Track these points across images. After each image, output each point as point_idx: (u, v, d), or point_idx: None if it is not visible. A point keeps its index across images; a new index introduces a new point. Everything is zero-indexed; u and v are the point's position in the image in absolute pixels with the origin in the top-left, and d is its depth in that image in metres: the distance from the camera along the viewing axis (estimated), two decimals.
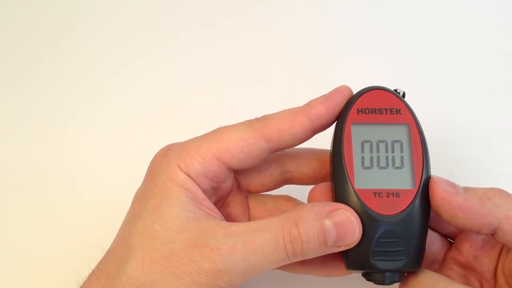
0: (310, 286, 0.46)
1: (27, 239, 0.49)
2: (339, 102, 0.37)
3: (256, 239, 0.34)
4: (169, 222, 0.35)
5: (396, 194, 0.35)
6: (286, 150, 0.40)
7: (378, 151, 0.37)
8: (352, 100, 0.38)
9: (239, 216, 0.42)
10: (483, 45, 0.59)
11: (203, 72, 0.58)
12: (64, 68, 0.59)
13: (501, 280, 0.37)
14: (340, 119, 0.37)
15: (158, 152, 0.40)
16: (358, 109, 0.37)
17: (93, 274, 0.37)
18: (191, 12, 0.62)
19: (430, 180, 0.36)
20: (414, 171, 0.36)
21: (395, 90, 0.38)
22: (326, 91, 0.38)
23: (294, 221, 0.34)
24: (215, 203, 0.40)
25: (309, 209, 0.35)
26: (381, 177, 0.36)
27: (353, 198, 0.35)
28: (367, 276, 0.36)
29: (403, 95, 0.39)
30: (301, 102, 0.38)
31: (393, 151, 0.37)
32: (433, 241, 0.39)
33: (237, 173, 0.41)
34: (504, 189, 0.35)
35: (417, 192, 0.35)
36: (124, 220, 0.38)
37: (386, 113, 0.37)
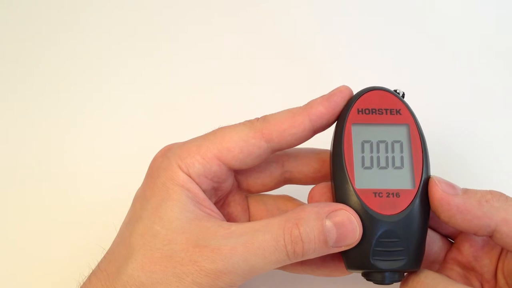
0: (310, 286, 0.46)
1: (28, 239, 0.49)
2: (340, 102, 0.37)
3: (257, 240, 0.34)
4: (169, 222, 0.35)
5: (396, 194, 0.35)
6: (287, 150, 0.40)
7: (378, 151, 0.37)
8: (352, 100, 0.38)
9: (239, 215, 0.42)
10: (482, 45, 0.59)
11: (204, 72, 0.58)
12: (64, 68, 0.59)
13: (501, 280, 0.37)
14: (340, 119, 0.37)
15: (158, 152, 0.40)
16: (358, 109, 0.37)
17: (93, 274, 0.37)
18: (191, 12, 0.62)
19: (430, 180, 0.36)
20: (414, 171, 0.36)
21: (395, 91, 0.38)
22: (326, 91, 0.38)
23: (295, 222, 0.34)
24: (216, 203, 0.40)
25: (309, 210, 0.35)
26: (381, 177, 0.36)
27: (353, 198, 0.35)
28: (367, 276, 0.37)
29: (403, 96, 0.39)
30: (301, 102, 0.38)
31: (393, 151, 0.37)
32: (434, 241, 0.39)
33: (237, 173, 0.41)
34: (502, 191, 0.35)
35: (417, 192, 0.35)
36: (124, 221, 0.39)
37: (386, 114, 0.37)
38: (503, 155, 0.53)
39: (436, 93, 0.56)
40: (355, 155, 0.36)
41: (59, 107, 0.57)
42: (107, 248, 0.38)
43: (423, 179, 0.36)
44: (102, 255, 0.38)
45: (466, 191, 0.35)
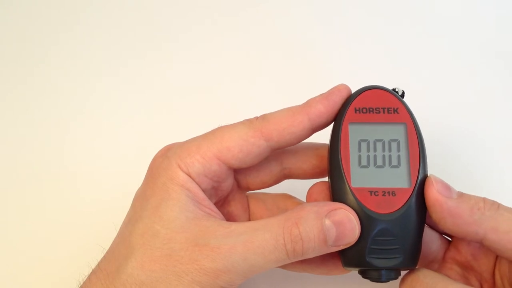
0: (309, 285, 0.46)
1: (28, 239, 0.49)
2: (338, 101, 0.38)
3: (257, 239, 0.34)
4: (169, 222, 0.35)
5: (392, 192, 0.36)
6: None
7: (375, 150, 0.37)
8: (350, 99, 0.38)
9: (239, 214, 0.42)
10: (482, 45, 0.59)
11: (203, 72, 0.58)
12: (64, 68, 0.59)
13: (498, 281, 0.37)
14: (338, 118, 0.38)
15: (158, 152, 0.40)
16: (355, 108, 0.37)
17: (93, 273, 0.37)
18: (191, 12, 0.62)
19: (427, 179, 0.36)
20: (411, 170, 0.36)
21: (394, 89, 0.38)
22: (325, 89, 0.38)
23: (295, 221, 0.34)
24: (215, 203, 0.40)
25: (309, 209, 0.35)
26: (377, 176, 0.36)
27: (349, 197, 0.35)
28: (364, 274, 0.37)
29: (402, 94, 0.39)
30: (301, 102, 0.38)
31: (390, 150, 0.37)
32: (432, 240, 0.39)
33: (236, 171, 0.41)
34: (502, 192, 0.36)
35: (413, 191, 0.36)
36: (124, 220, 0.39)
37: (384, 113, 0.37)
38: (503, 155, 0.53)
39: (436, 93, 0.56)
40: (352, 154, 0.36)
41: (59, 107, 0.57)
42: (107, 247, 0.38)
43: (419, 178, 0.36)
44: (102, 255, 0.38)
45: (461, 195, 0.35)
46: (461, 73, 0.58)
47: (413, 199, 0.35)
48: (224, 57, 0.59)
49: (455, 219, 0.34)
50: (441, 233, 0.40)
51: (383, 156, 0.37)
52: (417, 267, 0.37)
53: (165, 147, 0.40)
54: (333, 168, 0.37)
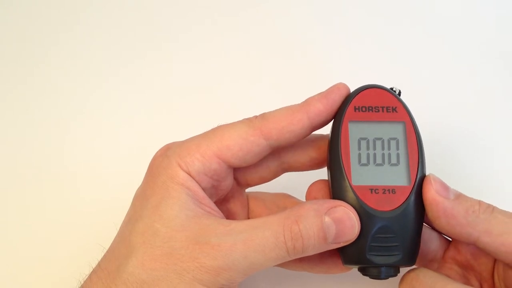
0: (308, 283, 0.46)
1: (28, 239, 0.49)
2: (337, 99, 0.38)
3: (257, 237, 0.34)
4: (169, 220, 0.35)
5: (392, 190, 0.36)
6: None
7: (374, 148, 0.37)
8: (349, 98, 0.38)
9: (238, 212, 0.42)
10: (482, 45, 0.59)
11: (203, 71, 0.58)
12: (64, 68, 0.59)
13: (497, 281, 0.38)
14: (338, 116, 0.38)
15: (158, 151, 0.40)
16: (355, 106, 0.38)
17: (94, 272, 0.37)
18: (191, 12, 0.62)
19: (426, 178, 0.36)
20: (410, 168, 0.36)
21: (391, 89, 0.39)
22: (324, 89, 0.38)
23: (295, 219, 0.34)
24: (215, 201, 0.40)
25: (308, 207, 0.35)
26: (377, 173, 0.36)
27: (350, 194, 0.36)
28: (363, 271, 0.37)
29: (399, 94, 0.39)
30: (300, 100, 0.38)
31: (389, 148, 0.37)
32: (431, 239, 0.40)
33: (235, 169, 0.41)
34: (501, 192, 0.36)
35: (412, 189, 0.36)
36: (124, 219, 0.39)
37: (383, 111, 0.38)
38: (503, 155, 0.53)
39: (436, 93, 0.56)
40: (352, 152, 0.37)
41: (59, 107, 0.57)
42: (108, 247, 0.38)
43: (418, 176, 0.36)
44: (103, 254, 0.38)
45: (458, 196, 0.36)
46: (461, 73, 0.58)
47: (413, 197, 0.36)
48: (224, 57, 0.60)
49: (450, 219, 0.35)
50: (438, 232, 0.40)
51: (383, 154, 0.37)
52: (416, 266, 0.38)
53: (164, 146, 0.40)
54: (333, 166, 0.37)
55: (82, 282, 0.37)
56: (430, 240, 0.39)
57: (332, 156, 0.37)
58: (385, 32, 0.61)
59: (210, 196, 0.39)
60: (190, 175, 0.37)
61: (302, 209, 0.35)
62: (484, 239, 0.34)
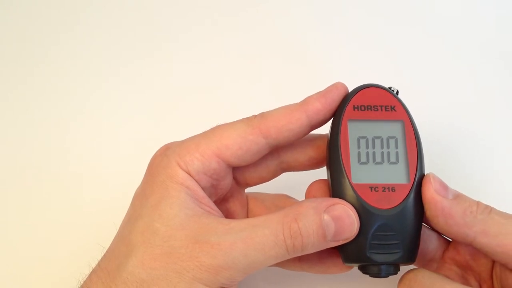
0: (307, 283, 0.46)
1: (28, 239, 0.49)
2: (336, 98, 0.38)
3: (256, 235, 0.34)
4: (169, 219, 0.35)
5: (391, 188, 0.36)
6: None
7: (374, 147, 0.37)
8: (348, 97, 0.38)
9: (237, 211, 0.42)
10: (482, 45, 0.59)
11: (203, 71, 0.58)
12: (64, 68, 0.59)
13: (495, 281, 0.38)
14: (337, 115, 0.38)
15: (157, 151, 0.40)
16: (354, 106, 0.38)
17: (93, 272, 0.37)
18: (191, 12, 0.62)
19: (425, 176, 0.36)
20: (409, 166, 0.37)
21: (389, 88, 0.39)
22: (322, 88, 0.38)
23: (294, 217, 0.34)
24: (214, 201, 0.40)
25: (307, 205, 0.35)
26: (377, 172, 0.37)
27: (350, 193, 0.36)
28: (363, 269, 0.37)
29: (397, 93, 0.39)
30: (299, 99, 0.38)
31: (388, 146, 0.37)
32: (430, 239, 0.40)
33: (234, 169, 0.41)
34: (501, 192, 0.36)
35: (412, 187, 0.36)
36: (124, 219, 0.39)
37: (381, 110, 0.38)
38: (503, 155, 0.53)
39: (436, 93, 0.56)
40: (351, 151, 0.37)
41: (59, 107, 0.57)
42: (107, 247, 0.38)
43: (418, 173, 0.36)
44: (102, 254, 0.38)
45: (457, 196, 0.36)
46: (461, 73, 0.58)
47: (412, 195, 0.36)
48: (224, 57, 0.60)
49: (447, 219, 0.35)
50: (437, 232, 0.40)
51: (382, 153, 0.37)
52: (415, 267, 0.38)
53: (164, 146, 0.40)
54: (333, 164, 0.37)
55: (82, 282, 0.37)
56: (429, 240, 0.39)
57: (332, 154, 0.37)
58: (385, 32, 0.61)
59: (210, 195, 0.39)
60: (189, 174, 0.37)
61: (301, 207, 0.35)
62: (480, 239, 0.34)
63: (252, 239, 0.34)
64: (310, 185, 0.39)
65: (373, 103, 0.38)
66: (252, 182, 0.42)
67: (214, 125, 0.39)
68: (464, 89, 0.57)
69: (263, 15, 0.62)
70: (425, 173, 0.37)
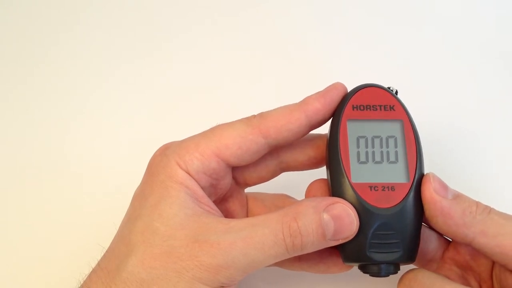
0: (307, 283, 0.46)
1: (28, 239, 0.49)
2: (335, 98, 0.38)
3: (256, 234, 0.34)
4: (168, 219, 0.35)
5: (391, 187, 0.36)
6: None
7: (373, 146, 0.37)
8: (347, 97, 0.38)
9: (237, 211, 0.42)
10: (482, 45, 0.59)
11: (203, 71, 0.58)
12: (64, 68, 0.59)
13: (495, 281, 0.38)
14: (336, 115, 0.38)
15: (157, 150, 0.40)
16: (353, 105, 0.38)
17: (93, 272, 0.37)
18: (191, 12, 0.62)
19: (425, 176, 0.36)
20: (408, 165, 0.37)
21: (389, 88, 0.39)
22: (321, 88, 0.39)
23: (293, 216, 0.34)
24: (214, 201, 0.40)
25: (307, 204, 0.35)
26: (376, 171, 0.37)
27: (350, 192, 0.36)
28: (363, 269, 0.37)
29: (396, 93, 0.39)
30: (299, 99, 0.38)
31: (387, 146, 0.37)
32: (430, 239, 0.40)
33: (234, 168, 0.41)
34: (501, 192, 0.36)
35: (411, 186, 0.36)
36: (123, 219, 0.39)
37: (381, 110, 0.38)
38: (503, 155, 0.53)
39: (436, 93, 0.56)
40: (351, 150, 0.37)
41: (59, 107, 0.57)
42: (107, 247, 0.38)
43: (417, 173, 0.36)
44: (102, 254, 0.38)
45: (456, 196, 0.36)
46: (461, 73, 0.58)
47: (412, 194, 0.36)
48: (224, 57, 0.60)
49: (446, 219, 0.35)
50: (437, 232, 0.40)
51: (381, 152, 0.37)
52: (415, 267, 0.38)
53: (163, 145, 0.40)
54: (332, 164, 0.37)
55: (82, 282, 0.37)
56: (429, 240, 0.39)
57: (331, 154, 0.37)
58: (385, 32, 0.61)
59: (209, 195, 0.39)
60: (189, 174, 0.37)
61: (301, 206, 0.35)
62: (479, 240, 0.35)
63: (252, 238, 0.34)
64: (310, 184, 0.39)
65: (372, 102, 0.38)
66: (252, 182, 0.42)
67: (214, 125, 0.39)
68: (464, 89, 0.57)
69: (263, 15, 0.62)
70: (425, 173, 0.37)
